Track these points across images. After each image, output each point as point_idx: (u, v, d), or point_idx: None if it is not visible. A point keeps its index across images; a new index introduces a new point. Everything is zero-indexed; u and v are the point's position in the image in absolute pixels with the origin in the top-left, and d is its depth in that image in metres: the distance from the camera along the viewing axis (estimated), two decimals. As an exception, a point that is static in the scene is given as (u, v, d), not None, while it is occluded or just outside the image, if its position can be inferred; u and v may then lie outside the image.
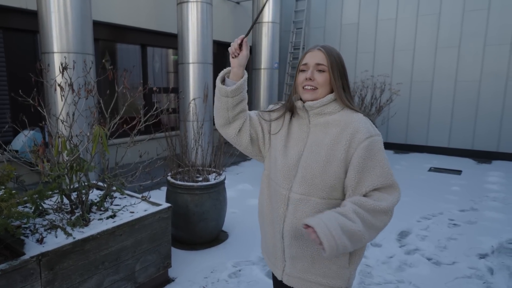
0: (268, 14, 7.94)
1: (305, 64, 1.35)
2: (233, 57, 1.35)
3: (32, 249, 1.97)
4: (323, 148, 1.32)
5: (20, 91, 2.64)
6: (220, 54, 8.65)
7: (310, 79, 1.33)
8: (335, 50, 1.37)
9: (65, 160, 2.39)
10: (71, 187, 2.47)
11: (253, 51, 8.27)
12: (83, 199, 2.49)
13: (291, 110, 1.45)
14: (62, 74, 2.43)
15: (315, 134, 1.36)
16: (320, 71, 1.33)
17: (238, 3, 8.85)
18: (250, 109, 1.55)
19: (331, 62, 1.32)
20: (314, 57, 1.34)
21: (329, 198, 1.31)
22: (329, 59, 1.32)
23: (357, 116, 1.33)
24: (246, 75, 1.37)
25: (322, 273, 1.36)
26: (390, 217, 1.34)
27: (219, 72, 1.44)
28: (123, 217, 2.49)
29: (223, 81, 1.41)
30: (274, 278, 1.58)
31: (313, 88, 1.33)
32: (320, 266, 1.36)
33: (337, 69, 1.33)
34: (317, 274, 1.37)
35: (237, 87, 1.35)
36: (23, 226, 2.24)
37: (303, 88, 1.36)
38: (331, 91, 1.35)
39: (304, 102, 1.38)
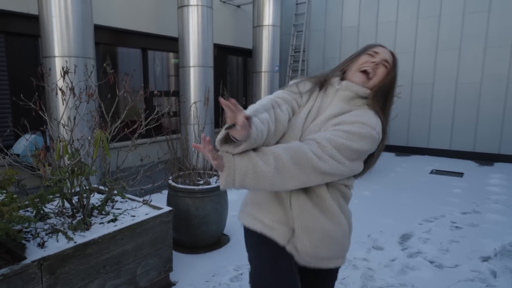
0: (268, 17, 7.97)
1: (377, 52, 1.37)
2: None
3: (33, 253, 1.96)
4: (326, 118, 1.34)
5: (21, 95, 2.65)
6: (220, 57, 8.67)
7: (377, 63, 1.34)
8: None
9: (66, 164, 2.39)
10: (72, 191, 2.47)
11: (254, 54, 8.29)
12: (84, 203, 2.49)
13: (322, 85, 1.44)
14: (64, 78, 2.44)
15: (329, 109, 1.35)
16: (384, 66, 1.36)
17: (238, 6, 8.88)
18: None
19: (394, 67, 1.37)
20: (386, 53, 1.37)
21: None
22: (394, 64, 1.38)
23: (373, 114, 1.33)
24: (252, 129, 1.10)
25: (329, 246, 1.40)
26: (322, 178, 1.21)
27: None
28: (124, 221, 2.48)
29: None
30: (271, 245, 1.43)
31: (370, 73, 1.34)
32: (329, 239, 1.37)
33: (393, 77, 1.38)
34: (325, 249, 1.39)
35: (243, 148, 1.16)
36: (24, 230, 2.24)
37: (359, 70, 1.35)
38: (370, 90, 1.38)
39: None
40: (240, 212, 1.56)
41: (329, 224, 1.35)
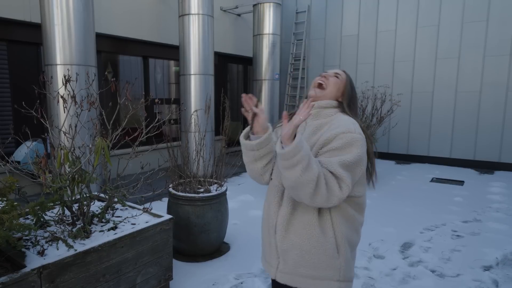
0: (268, 26, 8.04)
1: (326, 71, 1.55)
2: (250, 118, 1.42)
3: (33, 261, 1.95)
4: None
5: (23, 102, 2.66)
6: (221, 66, 8.72)
7: (325, 76, 1.51)
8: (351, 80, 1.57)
9: (67, 172, 2.39)
10: (73, 198, 2.46)
11: (254, 62, 8.33)
12: (85, 210, 2.49)
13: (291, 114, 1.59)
14: (65, 86, 2.45)
15: (306, 135, 1.46)
16: (336, 77, 1.51)
17: (239, 15, 8.95)
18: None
19: (348, 79, 1.53)
20: (335, 70, 1.55)
21: None
22: (346, 77, 1.53)
23: (344, 117, 1.45)
24: (270, 129, 1.44)
25: (312, 265, 1.40)
26: (316, 200, 1.29)
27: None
28: (125, 229, 2.47)
29: (247, 138, 1.49)
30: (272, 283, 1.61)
31: (324, 85, 1.50)
32: (310, 257, 1.40)
33: (348, 88, 1.52)
34: (308, 267, 1.41)
35: (262, 141, 1.42)
36: (24, 238, 2.23)
37: (313, 86, 1.52)
38: (336, 101, 1.50)
39: None
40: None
41: (307, 244, 1.40)
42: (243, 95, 1.39)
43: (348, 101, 1.50)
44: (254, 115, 1.39)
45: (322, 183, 1.23)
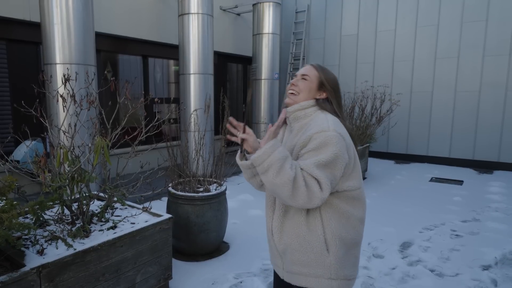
0: (268, 26, 8.04)
1: (296, 74, 1.58)
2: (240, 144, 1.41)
3: (33, 260, 1.95)
4: (289, 149, 1.48)
5: (22, 102, 2.65)
6: (220, 65, 8.72)
7: (293, 84, 1.55)
8: (329, 70, 1.56)
9: (67, 171, 2.39)
10: (72, 198, 2.46)
11: (254, 62, 8.33)
12: (84, 210, 2.49)
13: (285, 121, 1.62)
14: (65, 85, 2.44)
15: (290, 139, 1.53)
16: (304, 79, 1.52)
17: (238, 14, 8.95)
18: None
19: (318, 75, 1.51)
20: (303, 70, 1.55)
21: None
22: (315, 72, 1.52)
23: (320, 115, 1.46)
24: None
25: (303, 263, 1.44)
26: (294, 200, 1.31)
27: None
28: (124, 228, 2.47)
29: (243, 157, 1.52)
30: (276, 277, 1.69)
31: (295, 93, 1.53)
32: (300, 256, 1.44)
33: (324, 83, 1.50)
34: (299, 265, 1.45)
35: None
36: (23, 237, 2.23)
37: (287, 94, 1.56)
38: (312, 100, 1.52)
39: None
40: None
41: (295, 240, 1.45)
42: (228, 124, 1.40)
43: (326, 96, 1.51)
44: (243, 140, 1.38)
45: (300, 184, 1.26)
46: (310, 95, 1.51)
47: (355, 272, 1.50)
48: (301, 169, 1.31)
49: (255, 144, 1.36)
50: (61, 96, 2.50)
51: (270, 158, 1.26)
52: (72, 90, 2.54)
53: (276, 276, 1.68)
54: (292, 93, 1.53)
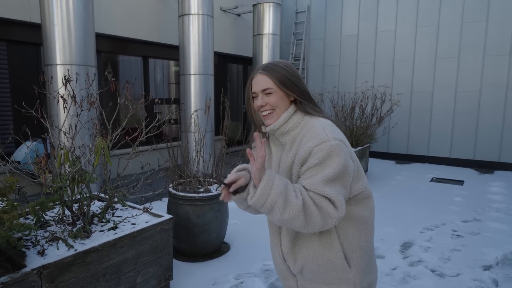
0: (268, 26, 8.05)
1: (254, 92, 1.36)
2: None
3: (33, 261, 1.95)
4: (288, 166, 1.32)
5: (23, 102, 2.66)
6: (221, 65, 8.72)
7: (263, 105, 1.34)
8: (279, 65, 1.35)
9: (67, 172, 2.39)
10: (73, 198, 2.47)
11: (254, 62, 8.33)
12: (85, 210, 2.49)
13: (264, 134, 1.45)
14: (65, 86, 2.45)
15: (285, 155, 1.36)
16: (268, 94, 1.33)
17: (238, 15, 8.95)
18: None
19: (277, 80, 1.32)
20: (259, 84, 1.34)
21: None
22: (273, 79, 1.32)
23: (313, 122, 1.30)
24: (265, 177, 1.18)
25: (324, 281, 1.35)
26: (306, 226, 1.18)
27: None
28: (125, 229, 2.47)
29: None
30: None
31: (270, 111, 1.34)
32: (320, 276, 1.34)
33: (286, 83, 1.32)
34: (321, 283, 1.36)
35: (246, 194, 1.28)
36: (24, 238, 2.23)
37: (263, 118, 1.37)
38: (289, 105, 1.36)
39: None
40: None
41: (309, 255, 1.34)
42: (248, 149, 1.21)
43: (299, 97, 1.34)
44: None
45: (311, 210, 1.13)
46: (285, 102, 1.34)
47: (375, 274, 1.44)
48: (306, 189, 1.17)
49: (247, 178, 1.20)
50: (61, 97, 2.50)
51: (270, 197, 1.12)
52: (73, 91, 2.55)
53: None
54: (268, 114, 1.35)
